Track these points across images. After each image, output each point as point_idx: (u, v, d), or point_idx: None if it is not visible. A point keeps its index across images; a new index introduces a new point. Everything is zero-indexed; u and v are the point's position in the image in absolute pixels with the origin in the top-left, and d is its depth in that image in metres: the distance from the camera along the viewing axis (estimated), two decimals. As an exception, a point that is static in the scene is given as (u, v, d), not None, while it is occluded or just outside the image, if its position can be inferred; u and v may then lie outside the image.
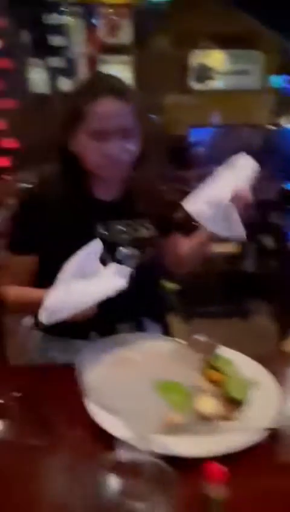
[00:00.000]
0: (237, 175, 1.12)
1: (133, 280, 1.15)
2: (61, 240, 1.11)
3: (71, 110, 1.10)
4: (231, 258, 3.37)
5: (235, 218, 1.09)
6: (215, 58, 6.84)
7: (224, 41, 6.71)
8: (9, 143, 3.94)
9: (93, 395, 0.61)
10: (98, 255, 0.99)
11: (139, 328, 1.20)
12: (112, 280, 0.94)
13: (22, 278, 1.18)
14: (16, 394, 0.91)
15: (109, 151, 1.06)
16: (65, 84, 5.14)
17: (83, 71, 6.39)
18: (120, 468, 0.54)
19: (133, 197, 1.23)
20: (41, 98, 4.00)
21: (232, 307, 3.29)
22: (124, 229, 1.19)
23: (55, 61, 4.84)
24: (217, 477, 0.50)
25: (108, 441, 0.76)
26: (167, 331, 1.31)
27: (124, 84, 1.13)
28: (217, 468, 0.50)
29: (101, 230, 1.16)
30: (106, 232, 1.16)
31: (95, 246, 0.97)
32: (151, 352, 0.69)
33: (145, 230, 1.22)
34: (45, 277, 1.10)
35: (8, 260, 1.19)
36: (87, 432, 0.79)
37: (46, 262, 1.15)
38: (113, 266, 0.97)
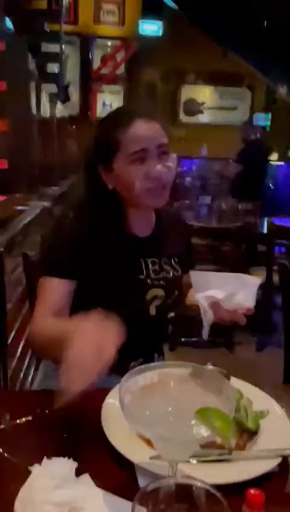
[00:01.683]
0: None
1: (154, 321, 1.17)
2: (95, 273, 1.10)
3: (104, 142, 1.10)
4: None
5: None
6: (204, 94, 7.09)
7: (213, 78, 6.98)
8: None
9: (131, 420, 0.61)
10: None
11: (150, 362, 1.18)
12: None
13: (62, 305, 1.09)
14: (28, 418, 0.90)
15: (153, 170, 1.06)
16: (59, 110, 5.23)
17: (76, 98, 6.54)
18: (144, 496, 0.54)
19: (163, 233, 1.22)
20: (35, 121, 4.05)
21: (218, 337, 3.31)
22: (156, 268, 1.18)
23: (51, 87, 4.92)
24: (258, 504, 0.51)
25: (127, 467, 0.77)
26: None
27: (150, 105, 1.16)
28: (259, 494, 0.51)
29: (135, 269, 1.15)
30: (138, 271, 1.15)
31: None
32: (179, 378, 0.70)
33: (173, 270, 1.21)
34: (78, 306, 1.07)
35: (45, 286, 1.11)
36: (105, 458, 0.79)
37: (82, 292, 1.11)
38: None
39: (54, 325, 0.98)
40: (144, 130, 1.07)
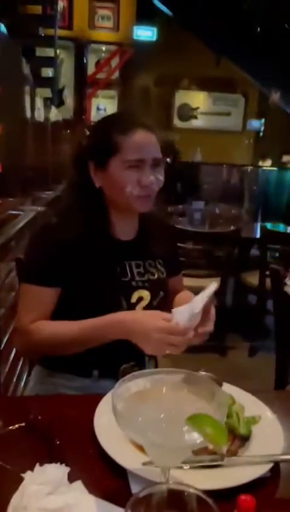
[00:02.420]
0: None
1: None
2: (79, 277, 1.12)
3: (103, 144, 1.12)
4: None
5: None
6: (198, 99, 7.14)
7: (207, 84, 7.03)
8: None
9: (124, 426, 0.61)
10: None
11: (141, 366, 1.19)
12: None
13: (45, 311, 1.13)
14: (21, 424, 0.90)
15: (146, 180, 1.10)
16: (53, 114, 5.23)
17: (70, 102, 6.55)
18: (137, 502, 0.54)
19: (147, 236, 1.24)
20: (29, 126, 4.05)
21: (210, 342, 3.31)
22: (141, 271, 1.20)
23: (45, 92, 4.93)
24: (249, 509, 0.51)
25: (119, 473, 0.77)
26: (156, 366, 1.32)
27: (148, 117, 1.19)
28: (250, 500, 0.51)
29: (118, 271, 1.16)
30: (122, 273, 1.16)
31: None
32: (171, 384, 0.71)
33: (158, 272, 1.23)
34: (64, 311, 1.13)
35: (28, 293, 1.15)
36: (97, 464, 0.79)
37: (66, 297, 1.14)
38: None
39: (71, 325, 1.08)
40: (144, 140, 1.11)
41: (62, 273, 1.12)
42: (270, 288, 1.70)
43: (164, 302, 1.22)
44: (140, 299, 1.18)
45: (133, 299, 1.17)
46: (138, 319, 1.02)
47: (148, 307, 1.18)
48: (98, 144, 1.14)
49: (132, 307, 1.16)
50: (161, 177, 1.14)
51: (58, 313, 1.14)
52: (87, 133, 1.23)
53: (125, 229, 1.21)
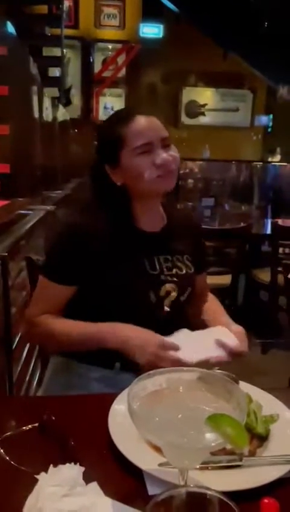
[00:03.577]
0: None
1: (167, 316, 1.18)
2: (105, 273, 1.12)
3: (109, 140, 1.14)
4: (221, 290, 3.40)
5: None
6: (206, 95, 7.09)
7: (214, 80, 6.98)
8: (1, 168, 3.96)
9: (140, 426, 0.60)
10: None
11: None
12: None
13: (56, 306, 1.16)
14: (34, 425, 0.89)
15: (159, 159, 1.11)
16: (61, 113, 5.23)
17: (77, 101, 6.54)
18: (157, 506, 0.53)
19: (174, 230, 1.24)
20: (37, 125, 4.05)
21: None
22: (169, 265, 1.20)
23: (53, 91, 4.93)
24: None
25: (135, 474, 0.75)
26: None
27: (148, 105, 1.21)
28: (274, 503, 0.49)
29: (147, 264, 1.17)
30: (151, 267, 1.17)
31: None
32: (188, 383, 0.69)
33: (186, 268, 1.23)
34: (84, 307, 1.14)
35: (43, 286, 1.17)
36: (113, 465, 0.78)
37: (87, 293, 1.15)
38: None
39: (79, 326, 1.11)
40: (145, 124, 1.12)
41: (84, 270, 1.12)
42: (284, 285, 1.67)
43: (190, 297, 1.23)
44: (168, 293, 1.18)
45: (162, 293, 1.17)
46: (138, 331, 1.06)
47: (176, 301, 1.19)
48: (105, 143, 1.16)
49: (160, 300, 1.17)
50: (175, 154, 1.15)
51: (80, 309, 1.15)
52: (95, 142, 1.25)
53: (151, 221, 1.21)
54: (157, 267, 1.18)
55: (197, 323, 1.33)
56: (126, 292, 1.13)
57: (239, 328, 1.17)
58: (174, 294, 1.18)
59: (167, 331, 1.21)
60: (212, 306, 1.36)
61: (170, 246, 1.22)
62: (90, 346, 1.10)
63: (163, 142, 1.13)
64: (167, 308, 1.18)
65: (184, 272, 1.22)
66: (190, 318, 1.32)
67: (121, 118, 1.15)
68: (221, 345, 1.10)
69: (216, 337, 1.12)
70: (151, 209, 1.20)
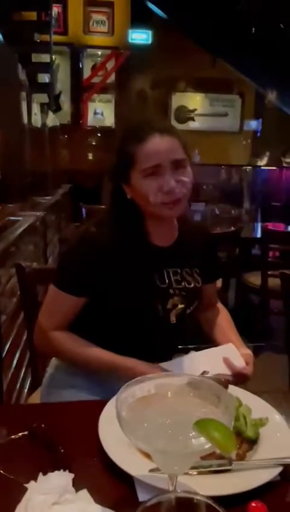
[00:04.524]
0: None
1: (174, 327, 1.20)
2: (117, 285, 1.12)
3: (122, 157, 1.12)
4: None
5: None
6: (195, 101, 7.13)
7: (203, 85, 7.02)
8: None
9: (129, 433, 0.60)
10: None
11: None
12: None
13: (67, 316, 1.16)
14: (24, 433, 0.88)
15: (166, 186, 1.07)
16: (50, 119, 5.23)
17: (67, 107, 6.55)
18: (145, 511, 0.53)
19: (185, 243, 1.23)
20: (26, 131, 4.05)
21: (213, 342, 3.29)
22: (178, 278, 1.20)
23: (42, 97, 4.93)
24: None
25: (126, 480, 0.75)
26: None
27: (166, 121, 1.19)
28: (261, 507, 0.50)
29: (156, 278, 1.17)
30: (160, 280, 1.17)
31: None
32: (176, 388, 0.69)
33: (194, 281, 1.23)
34: (92, 318, 1.16)
35: (55, 296, 1.16)
36: (103, 472, 0.78)
37: (96, 304, 1.15)
38: None
39: (98, 352, 1.14)
40: (158, 145, 1.08)
41: (96, 282, 1.12)
42: (281, 292, 1.66)
43: (196, 309, 1.25)
44: (175, 305, 1.19)
45: (169, 305, 1.18)
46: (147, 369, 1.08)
47: (182, 313, 1.20)
48: (119, 158, 1.13)
49: (167, 312, 1.17)
50: (185, 178, 1.10)
51: (89, 319, 1.16)
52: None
53: (163, 236, 1.20)
54: (167, 280, 1.18)
55: (205, 330, 1.39)
56: (134, 304, 1.13)
57: (247, 351, 1.23)
58: (181, 306, 1.19)
59: (172, 340, 1.26)
60: (223, 323, 1.37)
61: (180, 259, 1.21)
62: (104, 372, 1.14)
63: (175, 165, 1.09)
64: (173, 320, 1.19)
65: (192, 285, 1.22)
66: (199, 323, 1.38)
67: (136, 133, 1.11)
68: (229, 364, 1.16)
69: (224, 355, 1.18)
70: (163, 225, 1.19)
